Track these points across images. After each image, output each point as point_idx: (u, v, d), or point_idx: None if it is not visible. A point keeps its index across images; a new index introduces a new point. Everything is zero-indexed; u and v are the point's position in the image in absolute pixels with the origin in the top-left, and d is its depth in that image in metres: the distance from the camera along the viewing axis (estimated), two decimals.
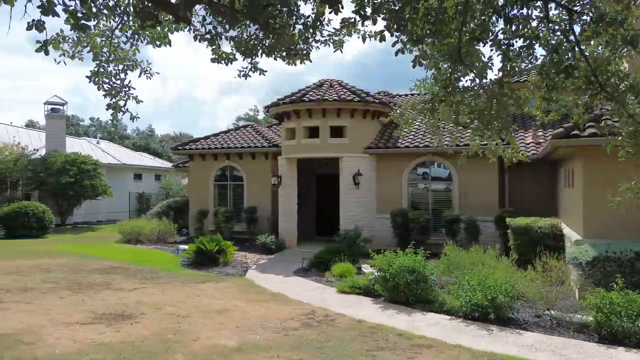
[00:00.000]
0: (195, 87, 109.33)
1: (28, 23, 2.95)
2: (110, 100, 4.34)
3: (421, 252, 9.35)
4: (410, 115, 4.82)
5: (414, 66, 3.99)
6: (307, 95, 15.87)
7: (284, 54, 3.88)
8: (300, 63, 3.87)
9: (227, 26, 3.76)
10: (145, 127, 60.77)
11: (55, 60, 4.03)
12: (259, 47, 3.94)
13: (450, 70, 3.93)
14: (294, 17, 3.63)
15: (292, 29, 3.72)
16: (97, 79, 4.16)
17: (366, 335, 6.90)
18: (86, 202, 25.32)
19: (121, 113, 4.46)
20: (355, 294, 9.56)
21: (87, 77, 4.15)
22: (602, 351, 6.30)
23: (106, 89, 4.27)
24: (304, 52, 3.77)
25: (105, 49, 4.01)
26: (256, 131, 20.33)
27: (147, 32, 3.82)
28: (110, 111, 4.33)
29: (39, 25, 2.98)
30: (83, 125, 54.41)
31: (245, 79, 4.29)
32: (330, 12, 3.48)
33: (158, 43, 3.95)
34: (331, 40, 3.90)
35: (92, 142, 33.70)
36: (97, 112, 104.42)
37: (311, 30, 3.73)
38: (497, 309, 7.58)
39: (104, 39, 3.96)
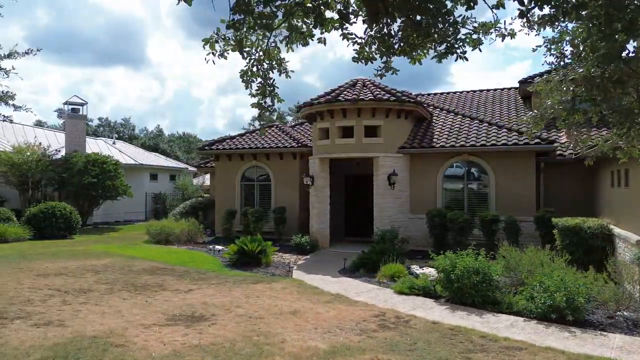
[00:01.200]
0: (192, 86, 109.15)
1: (227, 22, 2.89)
2: (259, 99, 4.31)
3: (482, 253, 9.31)
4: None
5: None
6: (342, 95, 15.82)
7: (436, 52, 3.84)
8: (456, 60, 3.80)
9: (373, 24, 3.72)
10: (154, 127, 60.60)
11: (205, 59, 3.99)
12: (402, 45, 3.89)
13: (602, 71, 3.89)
14: (445, 14, 3.57)
15: (442, 25, 3.67)
16: (247, 78, 4.11)
17: (449, 337, 6.85)
18: (105, 202, 25.21)
19: (267, 112, 4.43)
20: (414, 294, 9.51)
21: (240, 76, 4.11)
22: None
23: (256, 87, 4.23)
24: (458, 49, 3.71)
25: (257, 48, 3.94)
26: (282, 131, 20.28)
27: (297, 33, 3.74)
28: (257, 110, 4.30)
29: (236, 25, 2.91)
30: (91, 126, 54.21)
31: (381, 78, 4.25)
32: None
33: (302, 43, 3.88)
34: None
35: (109, 142, 33.59)
36: (95, 112, 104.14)
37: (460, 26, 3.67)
38: (574, 310, 7.55)
39: (261, 37, 3.89)
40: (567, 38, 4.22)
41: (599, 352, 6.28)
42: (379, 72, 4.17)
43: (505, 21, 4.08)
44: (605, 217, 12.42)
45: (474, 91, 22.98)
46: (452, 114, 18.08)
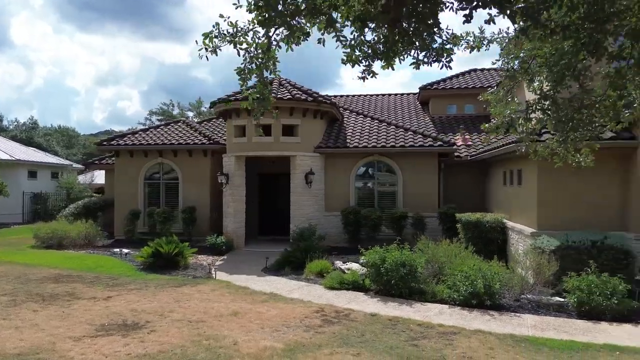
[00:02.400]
0: (66, 74, 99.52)
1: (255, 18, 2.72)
2: (253, 96, 4.15)
3: (407, 247, 9.96)
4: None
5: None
6: None
7: (414, 58, 4.07)
8: (441, 68, 4.07)
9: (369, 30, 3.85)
10: (27, 119, 54.02)
11: (199, 54, 3.72)
12: (385, 51, 4.06)
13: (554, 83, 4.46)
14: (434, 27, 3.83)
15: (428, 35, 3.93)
16: (243, 75, 3.92)
17: (391, 327, 7.26)
18: None
19: (262, 109, 4.29)
20: (344, 289, 9.83)
21: (236, 72, 3.89)
22: (592, 326, 7.43)
23: (249, 85, 4.07)
24: (444, 55, 3.98)
25: (255, 46, 3.78)
26: (191, 127, 19.48)
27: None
28: (248, 106, 4.15)
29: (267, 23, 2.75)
30: None
31: (364, 81, 4.39)
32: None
33: (295, 42, 3.83)
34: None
35: None
36: None
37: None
38: (491, 296, 8.45)
39: (262, 37, 3.74)
40: (521, 54, 4.78)
41: (519, 331, 7.13)
42: (362, 75, 4.32)
43: (473, 32, 4.50)
44: (497, 212, 14.00)
45: (377, 95, 24.30)
46: (361, 116, 18.91)
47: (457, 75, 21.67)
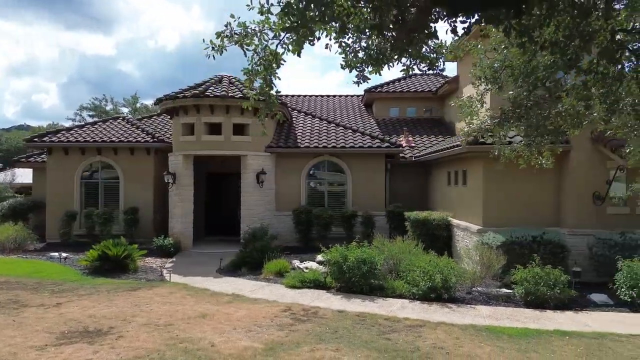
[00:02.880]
0: None
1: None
2: (258, 97, 4.18)
3: (365, 244, 10.28)
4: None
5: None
6: (210, 90, 15.36)
7: (404, 65, 4.31)
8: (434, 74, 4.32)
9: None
10: None
11: (206, 54, 3.68)
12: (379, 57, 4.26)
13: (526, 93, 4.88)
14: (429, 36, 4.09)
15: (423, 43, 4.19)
16: (250, 77, 3.90)
17: (360, 323, 7.50)
18: None
19: (268, 110, 4.28)
20: (306, 287, 9.96)
21: (243, 73, 3.86)
22: (540, 314, 8.14)
23: (254, 87, 4.07)
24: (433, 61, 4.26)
25: (263, 47, 3.77)
26: (131, 124, 18.66)
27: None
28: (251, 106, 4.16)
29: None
30: None
31: (358, 85, 4.55)
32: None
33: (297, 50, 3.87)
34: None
35: None
36: None
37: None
38: (447, 289, 8.97)
39: (271, 40, 3.74)
40: (496, 64, 5.19)
41: (477, 321, 7.65)
42: (357, 80, 4.49)
43: (446, 42, 4.80)
44: (441, 210, 14.77)
45: (322, 96, 24.65)
46: (309, 116, 19.10)
47: (399, 80, 22.52)
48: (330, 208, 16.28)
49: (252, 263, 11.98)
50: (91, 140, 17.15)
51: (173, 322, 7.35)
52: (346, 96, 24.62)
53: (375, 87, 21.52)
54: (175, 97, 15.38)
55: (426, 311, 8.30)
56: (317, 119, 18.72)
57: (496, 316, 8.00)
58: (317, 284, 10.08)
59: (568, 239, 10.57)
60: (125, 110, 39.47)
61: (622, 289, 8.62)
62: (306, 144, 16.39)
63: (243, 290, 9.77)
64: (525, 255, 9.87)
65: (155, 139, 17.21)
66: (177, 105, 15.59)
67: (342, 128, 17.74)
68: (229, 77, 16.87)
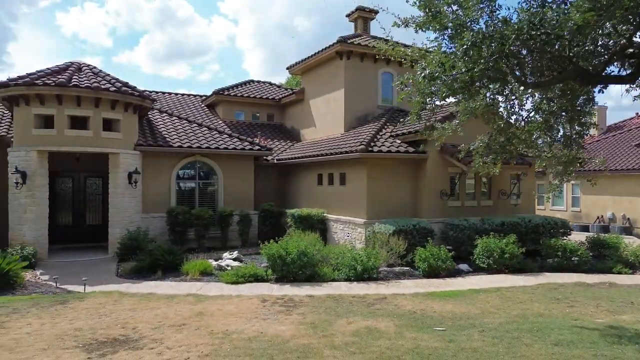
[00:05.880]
0: None
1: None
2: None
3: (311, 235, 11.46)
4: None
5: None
6: (74, 80, 13.62)
7: None
8: None
9: None
10: None
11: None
12: None
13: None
14: None
15: None
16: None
17: (335, 301, 8.83)
18: None
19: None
20: (249, 282, 10.53)
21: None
22: (443, 281, 10.97)
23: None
24: None
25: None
26: None
27: None
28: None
29: None
30: None
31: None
32: None
33: None
34: None
35: None
36: None
37: None
38: (368, 271, 10.97)
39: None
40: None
41: (415, 291, 9.90)
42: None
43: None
44: (310, 207, 16.74)
45: (163, 93, 23.66)
46: (166, 114, 18.47)
47: (238, 85, 23.51)
48: (205, 208, 16.29)
49: (165, 266, 11.61)
50: None
51: (185, 321, 7.26)
52: (188, 95, 24.31)
53: (223, 89, 22.08)
54: (32, 84, 13.11)
55: (372, 288, 10.14)
56: (175, 118, 18.30)
57: (422, 286, 10.43)
58: (257, 278, 10.74)
59: (432, 226, 13.93)
60: None
61: (481, 259, 12.19)
62: (178, 144, 16.05)
63: (192, 290, 9.74)
64: (409, 239, 12.70)
65: None
66: (32, 93, 13.29)
67: (206, 128, 17.87)
68: (89, 65, 15.16)
